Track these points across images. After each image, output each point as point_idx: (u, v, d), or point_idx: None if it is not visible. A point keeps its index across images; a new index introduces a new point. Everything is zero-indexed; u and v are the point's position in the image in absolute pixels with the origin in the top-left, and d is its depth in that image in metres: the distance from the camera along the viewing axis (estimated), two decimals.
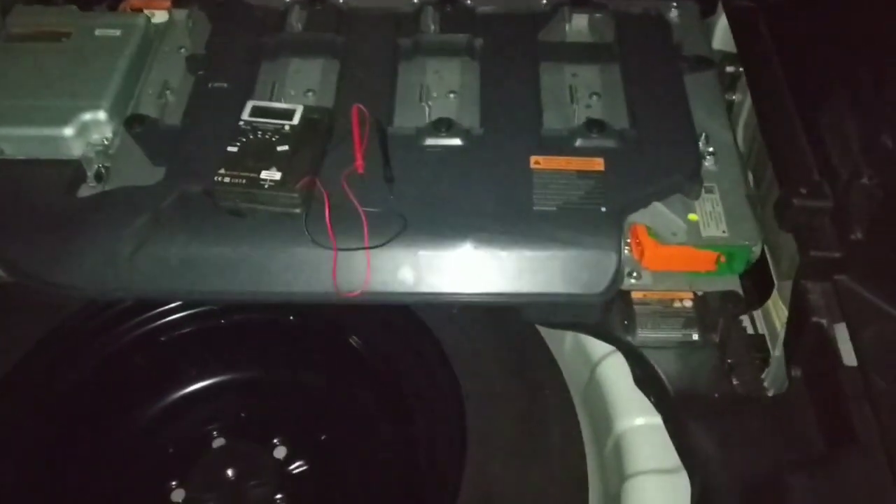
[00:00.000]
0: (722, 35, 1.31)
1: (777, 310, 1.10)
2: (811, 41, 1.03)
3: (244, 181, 0.95)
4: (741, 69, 1.25)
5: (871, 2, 0.93)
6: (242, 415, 1.31)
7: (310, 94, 1.14)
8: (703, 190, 1.03)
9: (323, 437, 1.28)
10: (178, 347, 1.27)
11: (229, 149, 0.98)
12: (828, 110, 0.96)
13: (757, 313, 1.15)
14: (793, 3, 1.11)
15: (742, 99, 1.27)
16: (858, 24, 0.94)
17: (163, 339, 1.26)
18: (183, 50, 1.20)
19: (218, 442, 1.27)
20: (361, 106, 1.05)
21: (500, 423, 1.06)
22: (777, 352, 1.04)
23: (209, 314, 1.26)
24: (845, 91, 0.93)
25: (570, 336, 1.13)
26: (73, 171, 1.06)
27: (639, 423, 1.01)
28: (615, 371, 1.06)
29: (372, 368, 1.26)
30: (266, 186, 0.94)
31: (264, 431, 1.28)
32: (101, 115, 1.08)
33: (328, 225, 0.91)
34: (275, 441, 1.27)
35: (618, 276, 0.97)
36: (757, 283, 1.11)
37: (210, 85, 1.12)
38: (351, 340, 1.27)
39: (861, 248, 0.91)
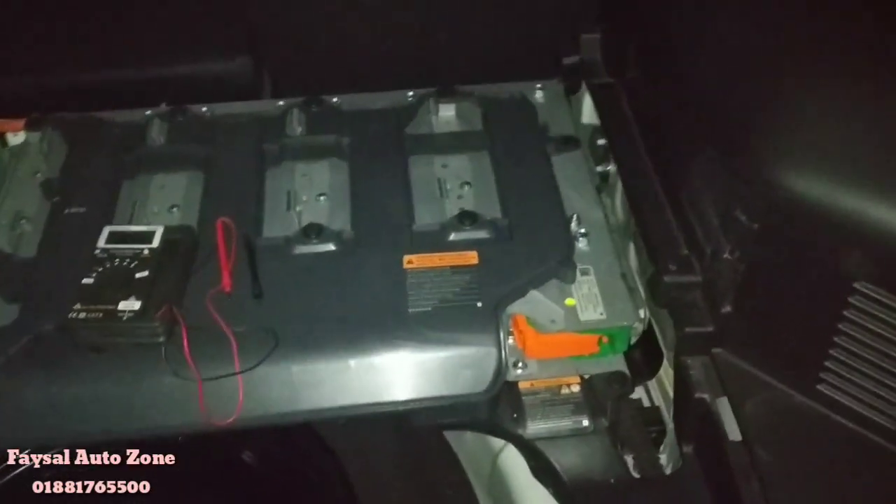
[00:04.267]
0: (590, 110, 1.33)
1: (669, 379, 1.10)
2: (666, 117, 1.05)
3: (101, 314, 0.90)
4: None
5: (714, 74, 0.96)
6: None
7: (175, 210, 1.10)
8: (578, 273, 1.02)
9: None
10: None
11: (84, 281, 0.93)
12: (687, 186, 0.98)
13: (651, 383, 1.15)
14: (646, 80, 1.14)
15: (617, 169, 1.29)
16: (705, 96, 0.97)
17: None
18: (38, 175, 1.15)
19: None
20: (226, 219, 1.03)
21: None
22: (671, 424, 1.04)
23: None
24: (699, 166, 0.95)
25: None
26: None
27: None
28: (514, 461, 1.03)
29: (267, 483, 1.20)
30: (125, 318, 0.90)
31: None
32: None
33: (187, 355, 0.87)
34: None
35: (500, 371, 0.95)
36: (647, 354, 1.10)
37: (66, 211, 1.08)
38: (244, 456, 1.21)
39: (733, 321, 0.92)
